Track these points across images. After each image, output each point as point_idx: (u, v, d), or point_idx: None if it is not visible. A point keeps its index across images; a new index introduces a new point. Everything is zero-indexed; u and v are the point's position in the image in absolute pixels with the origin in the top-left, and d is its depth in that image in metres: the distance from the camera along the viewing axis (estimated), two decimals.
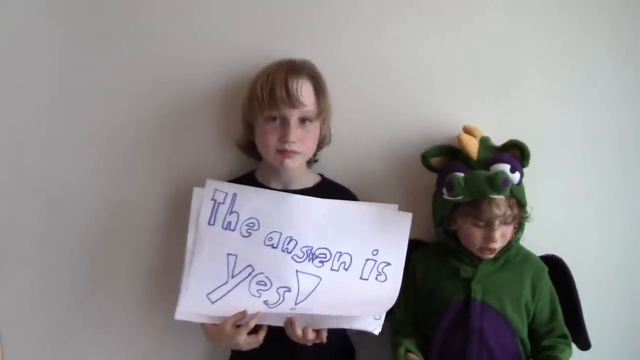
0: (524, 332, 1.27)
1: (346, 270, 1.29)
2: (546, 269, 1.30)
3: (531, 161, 1.25)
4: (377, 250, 1.29)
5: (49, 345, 1.52)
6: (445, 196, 1.23)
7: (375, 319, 1.23)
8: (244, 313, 1.25)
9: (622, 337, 1.44)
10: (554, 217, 1.39)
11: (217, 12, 1.40)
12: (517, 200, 1.23)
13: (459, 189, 1.19)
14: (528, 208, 1.25)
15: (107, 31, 1.42)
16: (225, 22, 1.40)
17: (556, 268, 1.32)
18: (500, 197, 1.19)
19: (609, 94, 1.39)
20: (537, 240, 1.33)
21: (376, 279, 1.28)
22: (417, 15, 1.39)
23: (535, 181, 1.28)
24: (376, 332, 1.24)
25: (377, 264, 1.29)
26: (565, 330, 1.29)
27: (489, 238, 1.22)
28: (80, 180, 1.46)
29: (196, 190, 1.32)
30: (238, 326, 1.25)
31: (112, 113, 1.44)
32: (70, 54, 1.43)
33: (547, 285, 1.29)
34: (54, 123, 1.45)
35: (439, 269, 1.31)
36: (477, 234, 1.23)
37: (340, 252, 1.29)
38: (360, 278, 1.29)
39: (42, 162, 1.47)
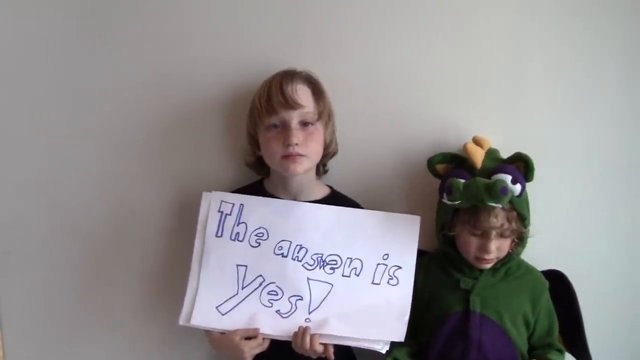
0: (523, 346, 1.27)
1: (357, 275, 1.29)
2: (547, 284, 1.29)
3: (536, 172, 1.24)
4: (387, 254, 1.29)
5: (50, 348, 1.52)
6: (445, 200, 1.23)
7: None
8: (256, 331, 1.25)
9: (622, 352, 1.45)
10: (558, 228, 1.39)
11: (223, 23, 1.40)
12: (518, 213, 1.23)
13: (457, 193, 1.20)
14: (531, 223, 1.25)
15: (115, 37, 1.42)
16: (231, 31, 1.40)
17: (559, 283, 1.31)
18: (498, 207, 1.19)
19: (616, 106, 1.39)
20: (541, 252, 1.33)
21: (388, 282, 1.28)
22: (423, 25, 1.39)
23: (540, 192, 1.28)
24: (383, 351, 1.24)
25: (388, 268, 1.29)
26: (560, 346, 1.29)
27: (484, 248, 1.22)
28: (84, 183, 1.46)
29: (205, 195, 1.32)
30: (246, 338, 1.24)
31: (117, 118, 1.44)
32: (76, 58, 1.43)
33: (546, 301, 1.29)
34: (59, 126, 1.45)
35: (439, 279, 1.31)
36: (473, 243, 1.23)
37: (351, 258, 1.29)
38: (372, 283, 1.28)
39: (46, 165, 1.46)
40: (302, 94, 1.26)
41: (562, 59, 1.38)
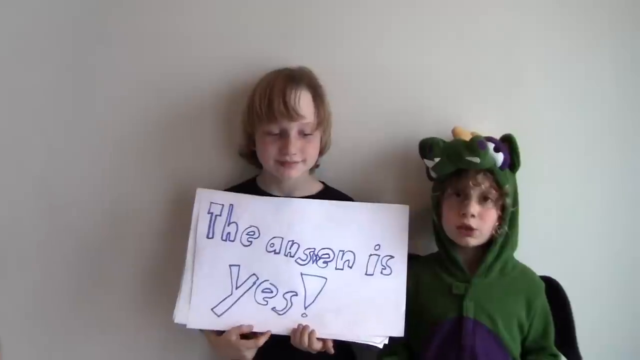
0: (517, 351, 1.25)
1: (351, 267, 1.29)
2: (543, 285, 1.28)
3: (532, 167, 1.25)
4: (379, 244, 1.30)
5: (47, 350, 1.50)
6: (427, 162, 1.26)
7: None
8: (250, 327, 1.24)
9: (622, 354, 1.44)
10: (556, 228, 1.40)
11: (218, 19, 1.41)
12: (499, 185, 1.22)
13: (437, 150, 1.24)
14: (510, 195, 1.24)
15: (110, 37, 1.42)
16: (227, 28, 1.41)
17: (552, 291, 1.30)
18: (480, 174, 1.21)
19: (614, 104, 1.40)
20: (537, 252, 1.32)
21: (381, 273, 1.28)
22: (418, 21, 1.39)
23: (538, 191, 1.29)
24: (380, 346, 1.24)
25: (380, 258, 1.29)
26: (556, 350, 1.27)
27: (466, 213, 1.22)
28: (81, 184, 1.46)
29: (199, 192, 1.33)
30: (243, 337, 1.24)
31: (113, 118, 1.44)
32: (73, 59, 1.43)
33: (542, 303, 1.27)
34: (55, 127, 1.45)
35: (431, 284, 1.29)
36: (454, 208, 1.24)
37: (343, 251, 1.30)
38: (366, 274, 1.29)
39: (43, 166, 1.46)
40: (304, 103, 1.25)
41: (561, 57, 1.39)
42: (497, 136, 1.30)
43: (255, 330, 1.25)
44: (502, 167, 1.24)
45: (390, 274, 1.29)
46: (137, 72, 1.43)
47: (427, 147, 1.26)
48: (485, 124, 1.34)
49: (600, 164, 1.41)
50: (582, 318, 1.31)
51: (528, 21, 1.39)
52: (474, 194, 1.23)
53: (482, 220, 1.23)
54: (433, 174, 1.30)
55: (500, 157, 1.23)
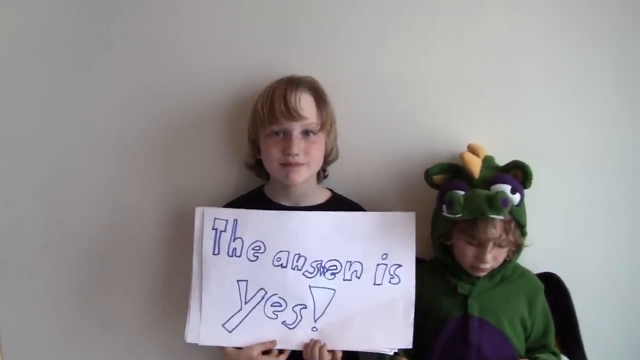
0: (521, 348, 1.28)
1: (359, 278, 1.29)
2: (542, 287, 1.30)
3: (532, 169, 1.23)
4: (386, 254, 1.29)
5: (49, 355, 1.52)
6: (445, 213, 1.22)
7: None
8: (273, 343, 1.26)
9: (622, 354, 1.46)
10: (556, 231, 1.40)
11: (223, 28, 1.40)
12: (517, 222, 1.22)
13: (458, 207, 1.18)
14: (527, 231, 1.24)
15: (115, 44, 1.42)
16: (231, 38, 1.39)
17: (554, 286, 1.32)
18: (498, 218, 1.18)
19: (613, 107, 1.38)
20: (539, 254, 1.31)
21: (390, 282, 1.28)
22: (420, 29, 1.38)
23: (537, 195, 1.27)
24: (391, 353, 1.26)
25: (388, 267, 1.29)
26: (556, 349, 1.30)
27: (480, 258, 1.22)
28: (83, 189, 1.47)
29: (198, 210, 1.32)
30: (264, 353, 1.25)
31: (117, 125, 1.44)
32: (76, 63, 1.43)
33: (542, 302, 1.30)
34: (58, 133, 1.45)
35: (436, 285, 1.30)
36: (469, 252, 1.23)
37: (351, 262, 1.29)
38: (374, 284, 1.29)
39: (45, 171, 1.47)
40: (305, 104, 1.24)
41: (559, 61, 1.38)
42: (498, 141, 1.30)
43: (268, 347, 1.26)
44: (518, 204, 1.21)
45: (398, 282, 1.29)
46: (140, 79, 1.42)
47: (447, 202, 1.20)
48: (486, 131, 1.35)
49: (600, 165, 1.40)
50: (582, 319, 1.32)
51: (528, 23, 1.37)
52: (490, 243, 1.21)
53: (496, 260, 1.24)
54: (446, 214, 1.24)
55: (517, 198, 1.20)
